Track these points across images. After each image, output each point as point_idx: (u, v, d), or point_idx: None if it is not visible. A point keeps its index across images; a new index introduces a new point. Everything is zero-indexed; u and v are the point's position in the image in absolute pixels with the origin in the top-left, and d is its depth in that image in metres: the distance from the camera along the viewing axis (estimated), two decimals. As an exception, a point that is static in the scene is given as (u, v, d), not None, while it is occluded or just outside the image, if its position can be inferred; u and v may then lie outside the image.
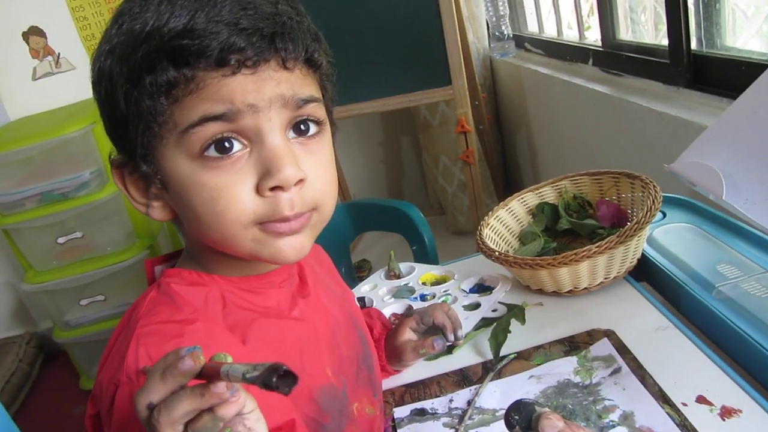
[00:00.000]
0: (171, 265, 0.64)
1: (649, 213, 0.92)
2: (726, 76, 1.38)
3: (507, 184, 3.06)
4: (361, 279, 1.20)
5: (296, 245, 0.56)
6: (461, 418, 0.78)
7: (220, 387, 0.38)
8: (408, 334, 0.88)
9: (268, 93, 0.52)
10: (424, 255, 1.73)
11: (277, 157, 0.52)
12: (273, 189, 0.52)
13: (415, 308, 0.91)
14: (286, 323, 0.62)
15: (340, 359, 0.68)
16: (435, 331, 0.87)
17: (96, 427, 0.55)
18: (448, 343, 0.86)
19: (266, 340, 0.59)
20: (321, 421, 0.61)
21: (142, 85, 0.51)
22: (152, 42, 0.50)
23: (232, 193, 0.52)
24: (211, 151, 0.52)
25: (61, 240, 2.28)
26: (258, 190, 0.53)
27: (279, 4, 0.54)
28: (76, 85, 2.57)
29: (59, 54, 2.58)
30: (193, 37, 0.49)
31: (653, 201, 0.94)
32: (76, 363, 2.48)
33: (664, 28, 1.71)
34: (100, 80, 0.54)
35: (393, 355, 0.88)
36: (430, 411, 0.81)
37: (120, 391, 0.50)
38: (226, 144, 0.52)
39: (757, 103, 0.87)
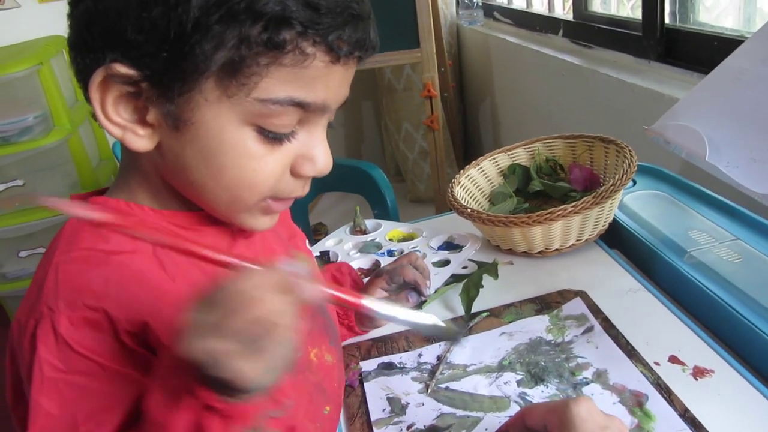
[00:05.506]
0: None
1: (624, 176, 0.91)
2: (697, 51, 1.38)
3: (466, 154, 3.04)
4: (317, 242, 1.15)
5: (272, 221, 0.56)
6: (432, 373, 0.75)
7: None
8: (379, 294, 0.84)
9: (342, 93, 0.52)
10: (386, 219, 1.70)
11: (322, 150, 0.52)
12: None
13: (383, 265, 0.87)
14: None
15: None
16: (407, 287, 0.84)
17: (15, 371, 0.50)
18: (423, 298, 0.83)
19: (195, 282, 0.53)
20: None
21: (241, 29, 0.44)
22: None
23: (274, 168, 0.51)
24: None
25: (0, 187, 2.15)
26: (293, 172, 0.52)
27: None
28: (20, 23, 2.41)
29: (3, -10, 2.41)
30: (321, 9, 0.45)
31: (629, 164, 0.93)
32: (13, 318, 2.36)
33: (632, 1, 1.71)
34: None
35: (363, 316, 0.84)
36: (398, 365, 0.78)
37: (42, 325, 0.46)
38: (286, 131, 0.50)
39: (740, 69, 0.87)
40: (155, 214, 0.55)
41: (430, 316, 0.49)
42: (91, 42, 0.47)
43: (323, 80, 0.48)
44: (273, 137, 0.49)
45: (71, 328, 0.46)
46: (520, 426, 0.55)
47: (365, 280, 0.90)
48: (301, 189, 0.54)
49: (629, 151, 0.98)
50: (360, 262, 1.02)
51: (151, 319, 0.48)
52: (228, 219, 0.55)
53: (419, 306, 0.83)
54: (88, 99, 0.49)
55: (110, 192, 0.56)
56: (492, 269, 0.90)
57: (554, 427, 0.52)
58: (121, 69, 0.46)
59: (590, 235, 0.96)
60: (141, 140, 0.49)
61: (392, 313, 0.47)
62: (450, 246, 1.04)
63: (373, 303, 0.46)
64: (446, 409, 0.69)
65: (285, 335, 0.39)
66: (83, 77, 0.49)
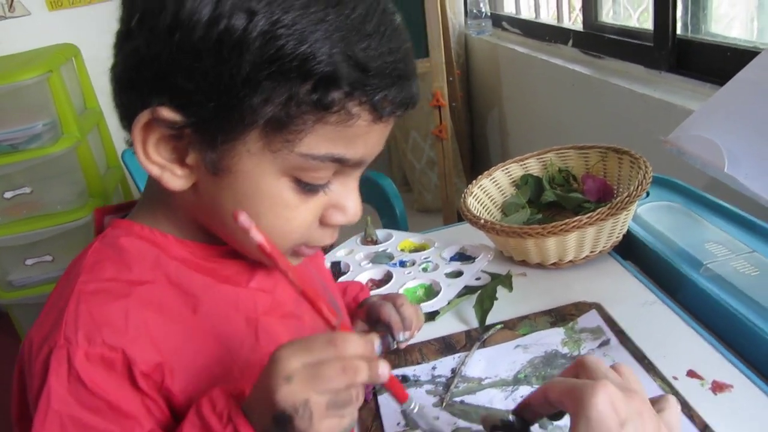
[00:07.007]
0: (122, 216, 0.58)
1: (640, 187, 0.90)
2: (710, 62, 1.38)
3: (474, 164, 3.04)
4: (323, 251, 1.13)
5: (300, 260, 0.57)
6: (447, 386, 0.74)
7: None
8: (359, 327, 0.77)
9: (379, 148, 0.52)
10: (394, 229, 1.69)
11: (354, 200, 0.53)
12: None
13: (375, 292, 0.81)
14: (241, 291, 0.57)
15: (302, 330, 0.61)
16: (380, 327, 0.72)
17: (22, 386, 0.49)
18: (395, 343, 0.71)
19: (218, 310, 0.54)
20: None
21: (291, 87, 0.44)
22: (349, 55, 0.44)
23: (306, 217, 0.51)
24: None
25: (7, 195, 2.15)
26: (322, 221, 0.53)
27: (405, 34, 0.51)
28: (30, 31, 2.42)
29: (13, -3, 2.43)
30: (370, 71, 0.45)
31: (644, 175, 0.92)
32: (18, 326, 2.36)
33: (640, 10, 1.70)
34: (211, 25, 0.43)
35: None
36: (412, 378, 0.77)
37: (56, 354, 0.45)
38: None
39: (757, 80, 0.86)
40: (178, 243, 0.55)
41: None
42: (138, 82, 0.47)
43: (364, 138, 0.49)
44: (308, 189, 0.50)
45: (86, 364, 0.45)
46: (542, 400, 0.52)
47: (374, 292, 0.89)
48: (330, 237, 0.55)
49: (644, 161, 0.97)
50: (371, 272, 1.01)
51: (168, 358, 0.49)
52: (257, 259, 0.55)
53: (431, 317, 0.79)
54: (126, 129, 0.50)
55: (133, 216, 0.56)
56: (506, 281, 0.89)
57: (571, 414, 0.47)
58: (167, 114, 0.46)
59: (604, 247, 0.95)
60: (178, 180, 0.49)
61: (422, 419, 0.53)
62: (462, 257, 1.03)
63: (414, 405, 0.52)
64: (462, 423, 0.68)
65: (357, 406, 0.44)
66: (125, 112, 0.49)
